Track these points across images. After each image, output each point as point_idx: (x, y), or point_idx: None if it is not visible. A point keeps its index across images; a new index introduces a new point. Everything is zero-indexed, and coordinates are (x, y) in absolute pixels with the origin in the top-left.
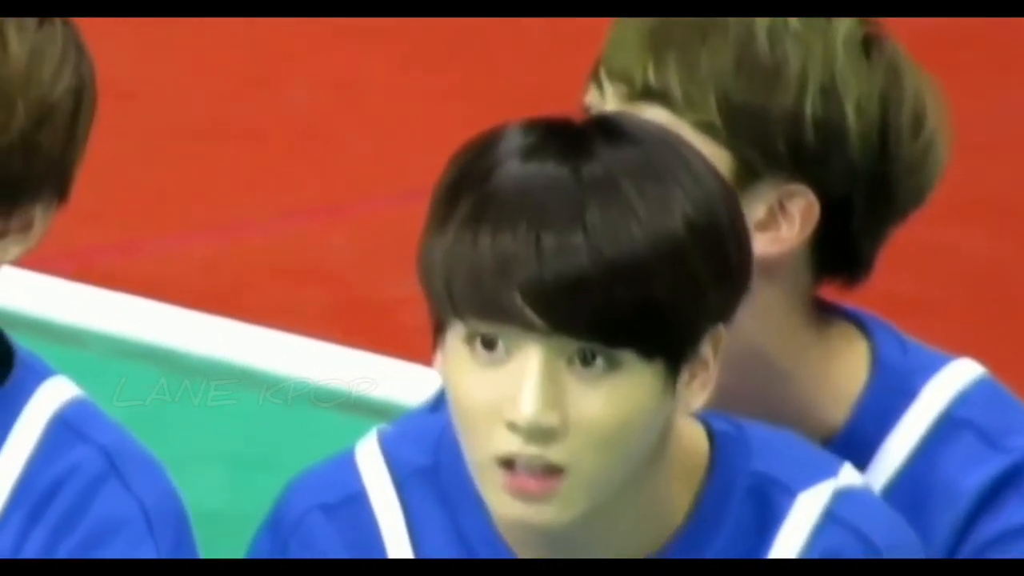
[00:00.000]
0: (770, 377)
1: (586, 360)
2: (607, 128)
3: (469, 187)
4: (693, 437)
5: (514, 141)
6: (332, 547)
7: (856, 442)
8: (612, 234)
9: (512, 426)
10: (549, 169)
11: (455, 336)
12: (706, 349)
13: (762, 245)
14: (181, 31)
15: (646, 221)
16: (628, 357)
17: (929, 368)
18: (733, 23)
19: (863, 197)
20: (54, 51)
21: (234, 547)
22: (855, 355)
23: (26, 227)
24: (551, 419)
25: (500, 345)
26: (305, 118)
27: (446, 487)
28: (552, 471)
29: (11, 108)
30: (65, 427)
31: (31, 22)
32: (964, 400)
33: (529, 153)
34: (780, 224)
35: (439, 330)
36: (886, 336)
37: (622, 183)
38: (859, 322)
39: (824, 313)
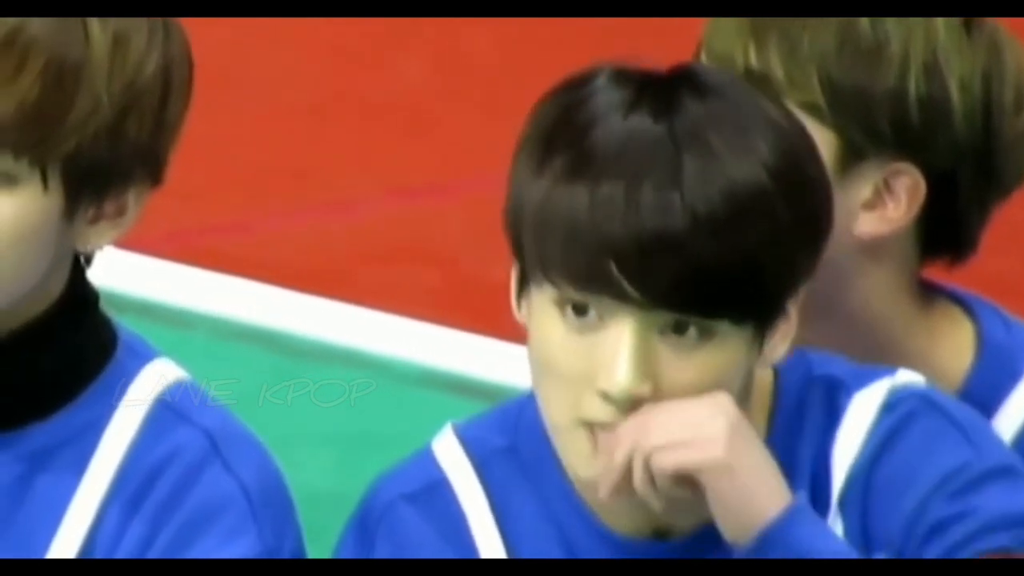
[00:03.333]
0: (877, 357)
1: (679, 330)
2: (693, 82)
3: (565, 141)
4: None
5: (610, 95)
6: (419, 534)
7: None
8: (704, 191)
9: (604, 395)
10: (647, 126)
11: (543, 296)
12: (790, 303)
13: (869, 224)
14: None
15: (735, 175)
16: (721, 325)
17: None
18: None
19: (968, 174)
20: (139, 37)
21: (342, 528)
22: (960, 335)
23: (120, 212)
24: (644, 390)
25: (592, 311)
26: (416, 96)
27: (527, 463)
28: None
29: (96, 98)
30: (168, 410)
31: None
32: None
33: (628, 108)
34: (887, 203)
35: (524, 281)
36: (990, 316)
37: (711, 138)
38: (963, 302)
39: (929, 293)
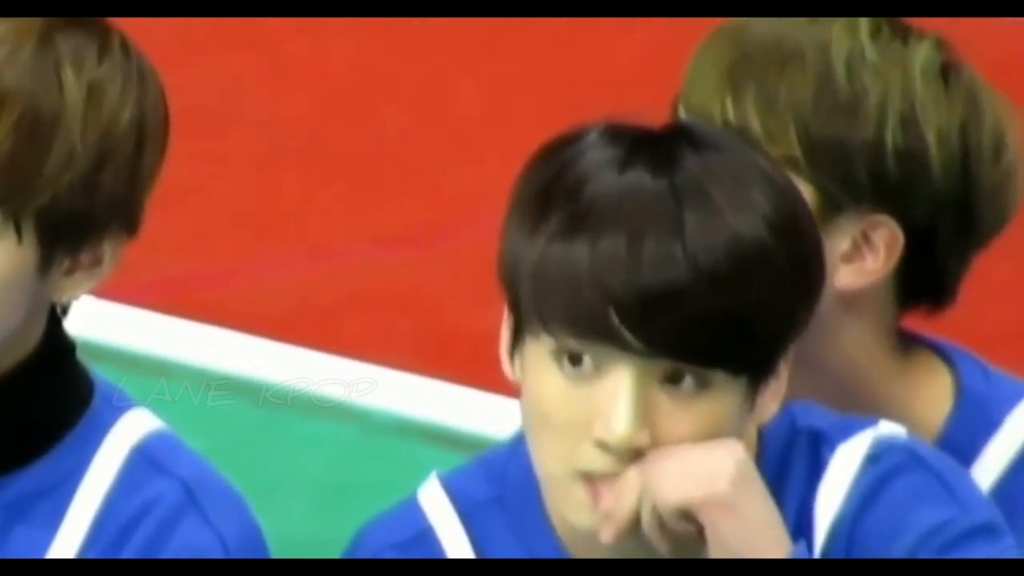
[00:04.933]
0: (856, 407)
1: (676, 380)
2: (690, 137)
3: (560, 199)
4: None
5: (602, 152)
6: None
7: None
8: (707, 245)
9: (602, 444)
10: (645, 181)
11: (540, 347)
12: (782, 360)
13: (848, 277)
14: (276, 58)
15: (737, 228)
16: (718, 376)
17: (1012, 398)
18: (811, 55)
19: (947, 225)
20: (114, 87)
21: None
22: (939, 385)
23: (96, 262)
24: (643, 439)
25: (588, 361)
26: (400, 146)
27: (514, 515)
28: None
29: (71, 149)
30: (144, 459)
31: (92, 57)
32: None
33: (623, 165)
34: (865, 256)
35: (517, 337)
36: (969, 365)
37: (712, 192)
38: (942, 352)
39: (907, 343)
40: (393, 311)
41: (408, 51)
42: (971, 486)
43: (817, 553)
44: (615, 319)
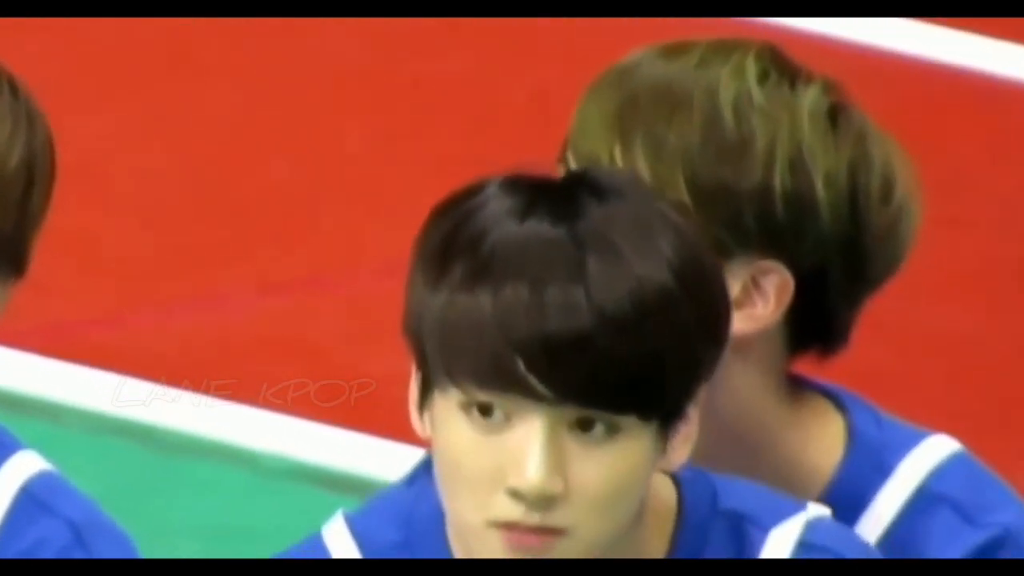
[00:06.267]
0: (744, 455)
1: (586, 427)
2: (592, 185)
3: (462, 251)
4: (659, 483)
5: (502, 203)
6: None
7: None
8: (611, 291)
9: (515, 493)
10: (546, 229)
11: (448, 401)
12: (691, 405)
13: (738, 323)
14: (158, 104)
15: (640, 274)
16: (628, 421)
17: (905, 444)
18: (698, 100)
19: (837, 269)
20: (3, 128)
21: None
22: (830, 431)
23: None
24: (556, 486)
25: (498, 411)
26: (285, 192)
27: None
28: (552, 531)
29: None
30: (31, 501)
31: None
32: (940, 476)
33: (523, 214)
34: (755, 301)
35: (425, 392)
36: (861, 411)
37: (615, 239)
38: (833, 397)
39: (798, 388)
40: (281, 357)
41: (293, 98)
42: None
43: None
44: (521, 367)
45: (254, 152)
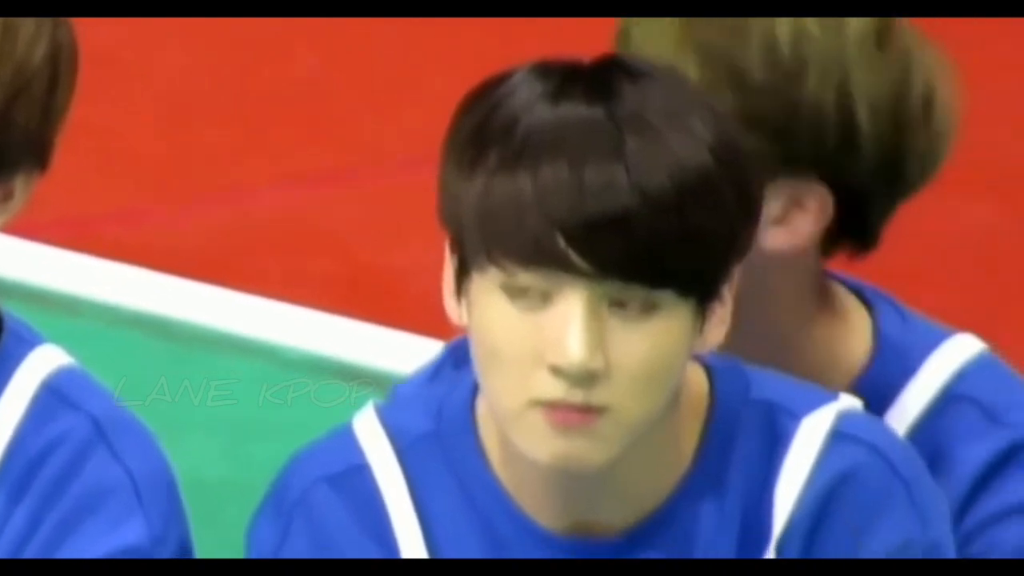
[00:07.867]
0: (777, 355)
1: (624, 303)
2: (624, 68)
3: (496, 136)
4: (692, 372)
5: (533, 87)
6: (337, 519)
7: None
8: (651, 169)
9: (556, 370)
10: (582, 110)
11: (487, 282)
12: (726, 285)
13: (778, 239)
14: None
15: (680, 154)
16: (665, 298)
17: (929, 344)
18: (756, 27)
19: (877, 187)
20: (27, 23)
21: (231, 516)
22: (857, 329)
23: (7, 197)
24: (598, 363)
25: (535, 290)
26: (311, 85)
27: (450, 452)
28: (594, 410)
29: None
30: (54, 395)
31: None
32: (964, 376)
33: (556, 97)
34: (797, 219)
35: (461, 277)
36: (887, 308)
37: (652, 119)
38: (861, 295)
39: (827, 285)
40: (303, 250)
41: None
42: (931, 488)
43: (774, 537)
44: (562, 243)
45: (278, 46)
